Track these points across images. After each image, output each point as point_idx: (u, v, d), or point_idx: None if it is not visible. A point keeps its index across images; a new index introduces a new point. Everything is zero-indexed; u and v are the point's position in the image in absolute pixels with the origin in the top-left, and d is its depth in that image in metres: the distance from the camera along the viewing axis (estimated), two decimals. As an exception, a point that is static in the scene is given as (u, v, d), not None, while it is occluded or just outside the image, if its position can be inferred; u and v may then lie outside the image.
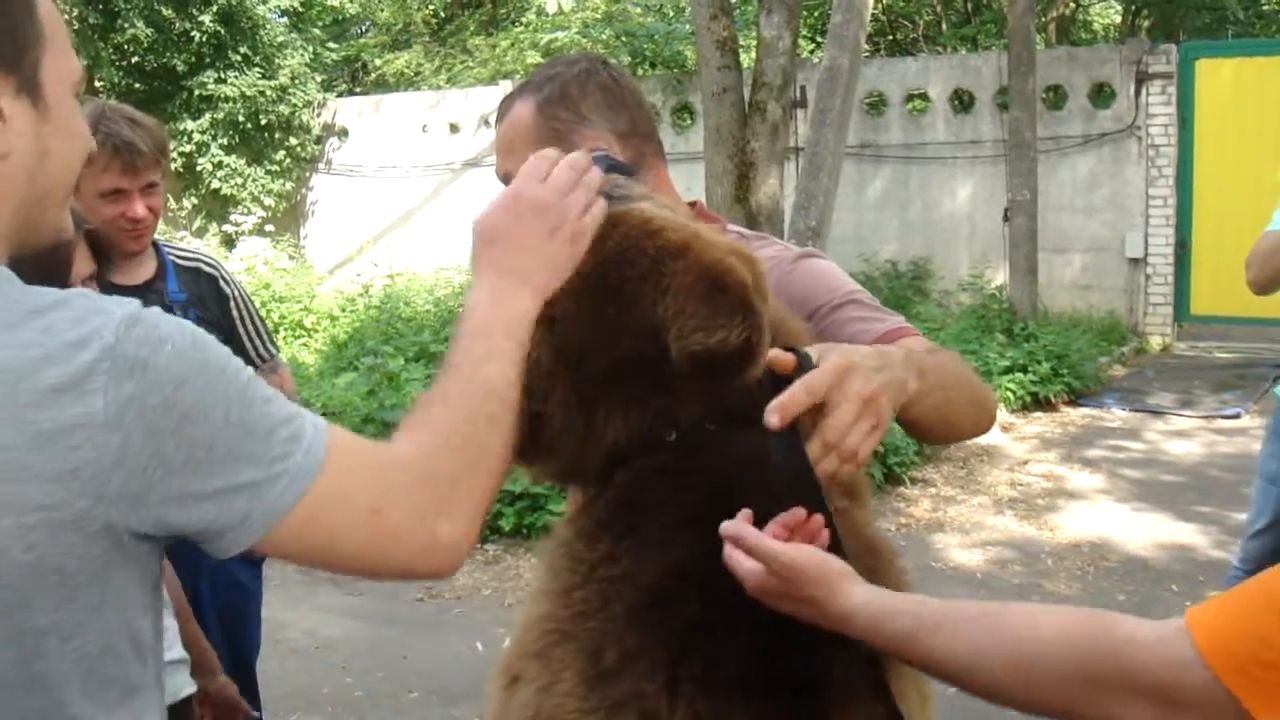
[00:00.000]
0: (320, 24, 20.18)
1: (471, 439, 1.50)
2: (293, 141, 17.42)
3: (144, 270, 3.41)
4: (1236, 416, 10.06)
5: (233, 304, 3.64)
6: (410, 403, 7.50)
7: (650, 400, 1.71)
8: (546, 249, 1.68)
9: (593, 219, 1.72)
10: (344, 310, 14.08)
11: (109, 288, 3.20)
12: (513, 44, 20.62)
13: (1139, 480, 8.52)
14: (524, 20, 20.74)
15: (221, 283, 3.64)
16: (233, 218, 16.40)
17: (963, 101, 14.37)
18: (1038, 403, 10.57)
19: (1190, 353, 12.91)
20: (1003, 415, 10.20)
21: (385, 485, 1.42)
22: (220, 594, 3.45)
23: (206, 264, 3.67)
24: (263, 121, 16.75)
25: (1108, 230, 13.44)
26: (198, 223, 16.90)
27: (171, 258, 3.55)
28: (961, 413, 1.92)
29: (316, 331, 13.34)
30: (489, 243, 1.71)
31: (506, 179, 2.14)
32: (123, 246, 3.27)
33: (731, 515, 1.61)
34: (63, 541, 1.26)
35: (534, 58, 19.42)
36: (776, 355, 1.64)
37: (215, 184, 16.56)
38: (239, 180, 16.82)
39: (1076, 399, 10.84)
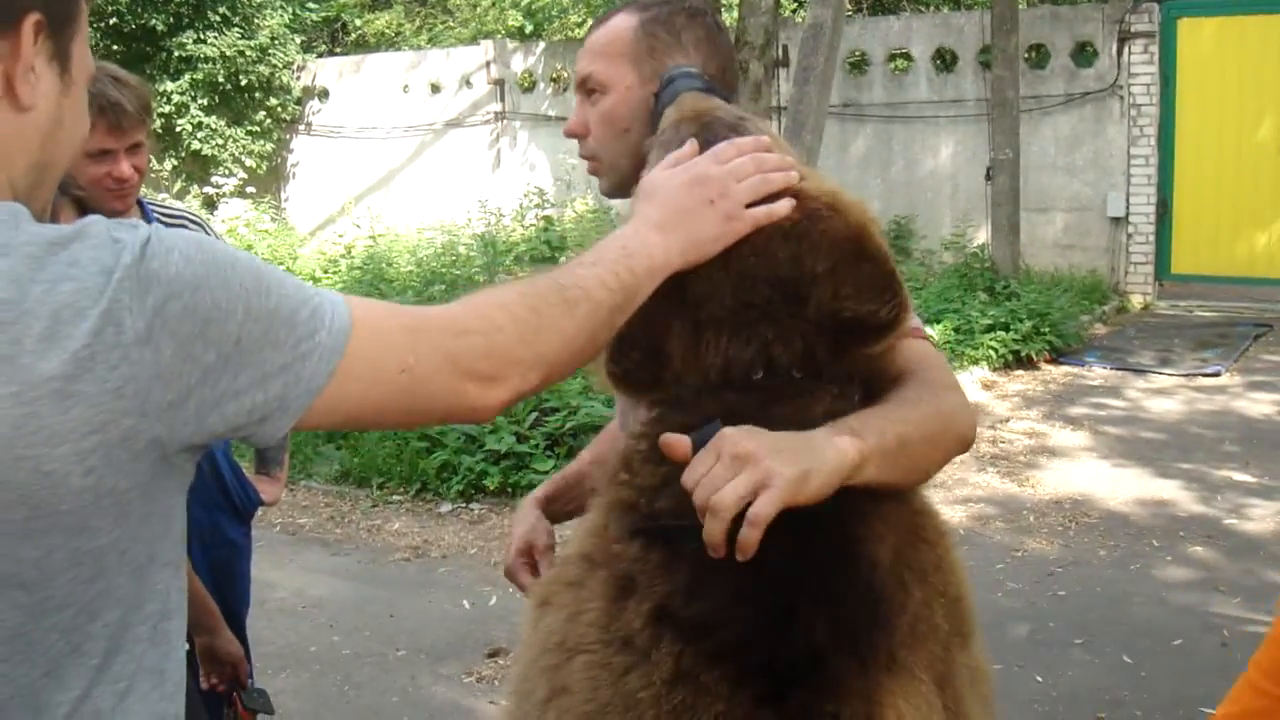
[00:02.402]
0: (300, -17, 20.03)
1: (529, 307, 1.54)
2: (273, 102, 17.32)
3: None
4: (1217, 375, 10.11)
5: None
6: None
7: (755, 338, 1.72)
8: (698, 214, 1.70)
9: (765, 213, 1.73)
10: (326, 271, 14.04)
11: None
12: (494, 4, 20.48)
13: (1120, 437, 8.58)
14: (505, -20, 20.59)
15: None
16: (213, 179, 16.30)
17: (945, 61, 14.34)
18: (1019, 361, 10.61)
19: (1171, 311, 12.96)
20: (985, 373, 10.25)
21: (414, 341, 1.46)
22: (211, 551, 3.47)
23: (191, 222, 3.67)
24: (243, 82, 16.64)
25: (1089, 189, 13.46)
26: (178, 184, 16.81)
27: (156, 216, 3.55)
28: (921, 465, 1.80)
29: (299, 293, 13.30)
30: (644, 197, 1.75)
31: (585, 81, 2.18)
32: (108, 206, 3.26)
33: None
34: (116, 460, 1.31)
35: (516, 18, 19.31)
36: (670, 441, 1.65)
37: (195, 145, 16.46)
38: (219, 141, 16.72)
39: (1058, 357, 10.88)
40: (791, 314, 1.70)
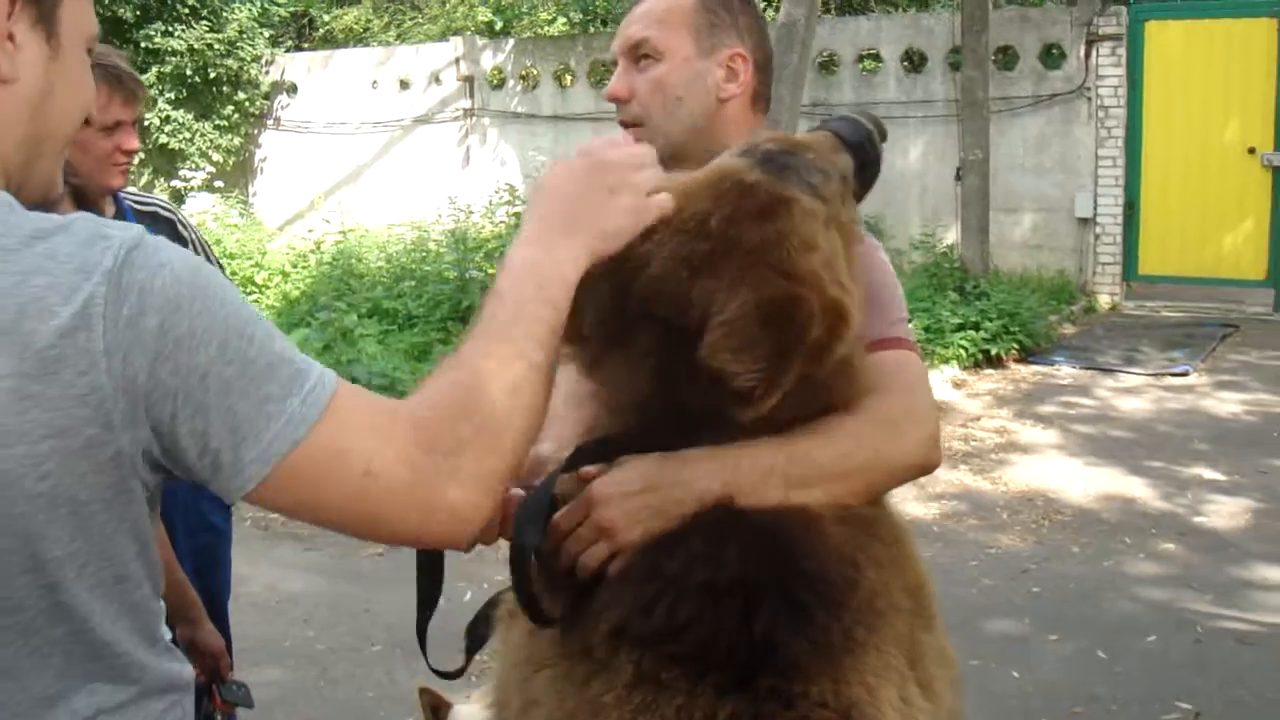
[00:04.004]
0: (267, -23, 19.91)
1: (487, 408, 1.43)
2: (241, 96, 17.20)
3: (105, 214, 3.38)
4: (1185, 374, 10.18)
5: (191, 249, 3.61)
6: (365, 359, 7.44)
7: (654, 362, 1.72)
8: (600, 206, 1.62)
9: (658, 204, 1.66)
10: (295, 266, 13.96)
11: None
12: (463, 0, 20.43)
13: (1090, 436, 8.63)
14: (474, -24, 20.53)
15: (179, 227, 3.62)
16: (181, 173, 16.19)
17: (914, 61, 14.38)
18: (989, 360, 10.66)
19: (1138, 312, 13.05)
20: (955, 372, 10.30)
21: (384, 446, 1.36)
22: (194, 537, 3.45)
23: (163, 209, 3.66)
24: (211, 75, 16.52)
25: (1057, 190, 13.53)
26: (145, 178, 16.68)
27: (129, 203, 3.53)
28: (836, 495, 1.81)
29: (268, 288, 13.23)
30: (542, 189, 1.67)
31: (638, 45, 2.16)
32: (109, 183, 3.26)
33: None
34: (75, 470, 1.26)
35: (485, 14, 19.25)
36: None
37: (163, 139, 16.35)
38: (187, 135, 16.60)
39: (1027, 356, 10.94)
40: (686, 348, 1.66)
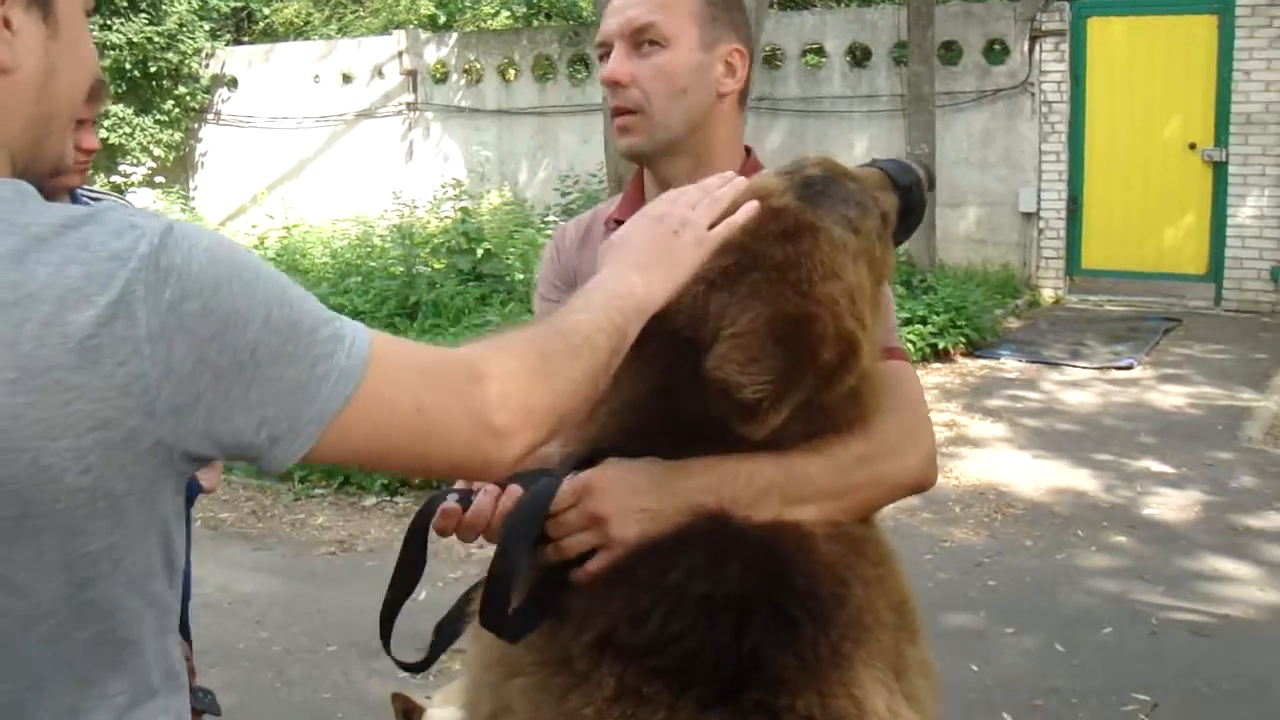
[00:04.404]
0: (207, -29, 19.71)
1: (539, 355, 1.50)
2: (181, 91, 17.02)
3: None
4: (1129, 368, 10.28)
5: None
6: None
7: (659, 371, 1.72)
8: (668, 247, 1.71)
9: (728, 225, 1.73)
10: (238, 263, 13.83)
11: None
12: (405, -7, 20.33)
13: (1039, 429, 8.69)
14: (416, -31, 20.42)
15: None
16: (121, 168, 15.98)
17: (855, 57, 14.43)
18: (936, 354, 10.70)
19: (1082, 305, 13.15)
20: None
21: (430, 380, 1.41)
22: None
23: (117, 204, 3.59)
24: (150, 69, 16.33)
25: (1002, 185, 13.62)
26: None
27: (84, 199, 3.47)
28: (856, 505, 1.85)
29: (210, 284, 13.09)
30: (613, 248, 1.75)
31: (643, 30, 2.10)
32: (69, 181, 3.20)
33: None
34: (116, 462, 1.24)
35: (428, 8, 19.17)
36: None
37: (102, 133, 16.13)
38: (127, 130, 16.41)
39: (974, 350, 10.99)
40: (692, 360, 1.66)
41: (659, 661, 1.61)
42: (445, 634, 1.94)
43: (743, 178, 1.82)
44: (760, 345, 1.62)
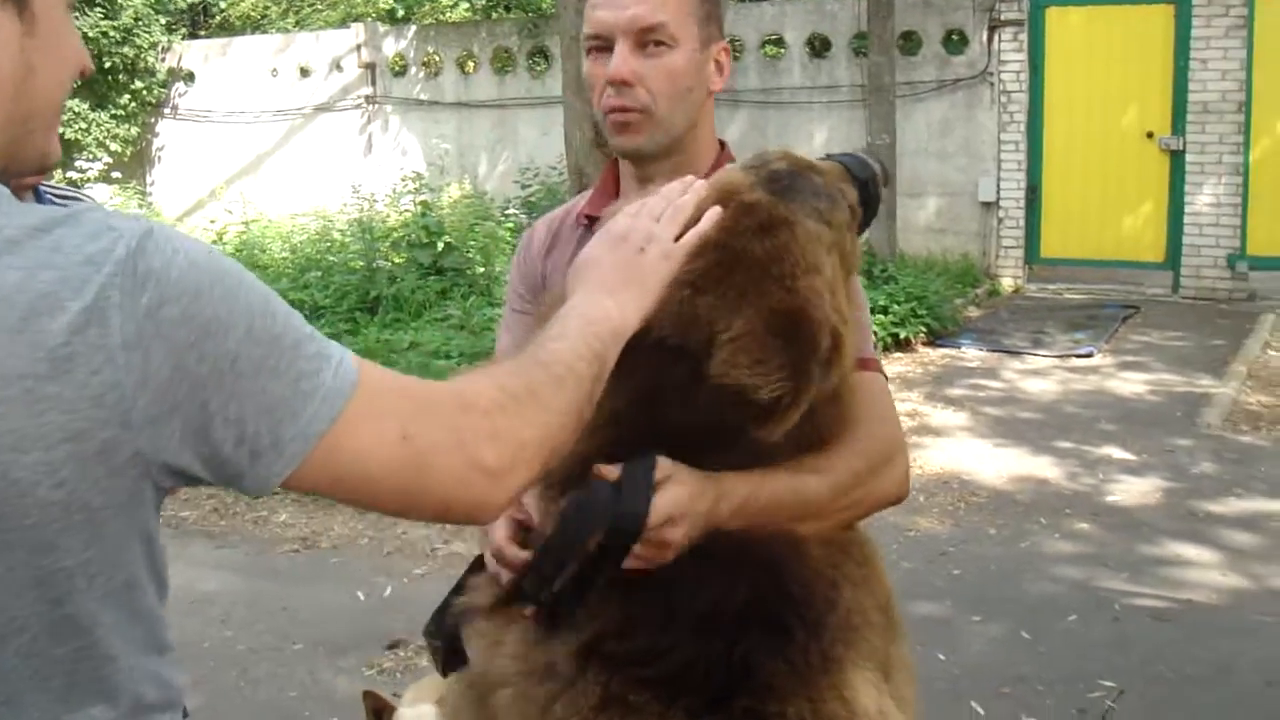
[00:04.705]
0: (161, -37, 19.56)
1: (525, 387, 1.44)
2: (138, 85, 16.89)
3: None
4: (1089, 355, 10.34)
5: None
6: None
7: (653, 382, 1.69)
8: (634, 265, 1.67)
9: (694, 235, 1.70)
10: (197, 258, 13.73)
11: None
12: (363, -14, 20.23)
13: (1000, 418, 8.73)
14: (374, -38, 20.33)
15: None
16: (77, 164, 15.84)
17: (815, 48, 14.45)
18: (898, 343, 10.73)
19: (1041, 294, 13.22)
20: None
21: (417, 409, 1.34)
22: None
23: (83, 201, 3.54)
24: (106, 64, 16.18)
25: (961, 175, 13.68)
26: (40, 169, 16.31)
27: (48, 195, 3.41)
28: (847, 519, 1.89)
29: (168, 280, 13.00)
30: (580, 270, 1.71)
31: (648, 30, 2.04)
32: (25, 181, 3.13)
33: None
34: (91, 475, 1.19)
35: (386, 2, 19.07)
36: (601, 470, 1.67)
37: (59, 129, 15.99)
38: (83, 125, 16.28)
39: (935, 339, 11.03)
40: (691, 369, 1.64)
41: (648, 671, 1.60)
42: (444, 629, 1.89)
43: (703, 181, 1.78)
44: (763, 344, 1.60)
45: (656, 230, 1.70)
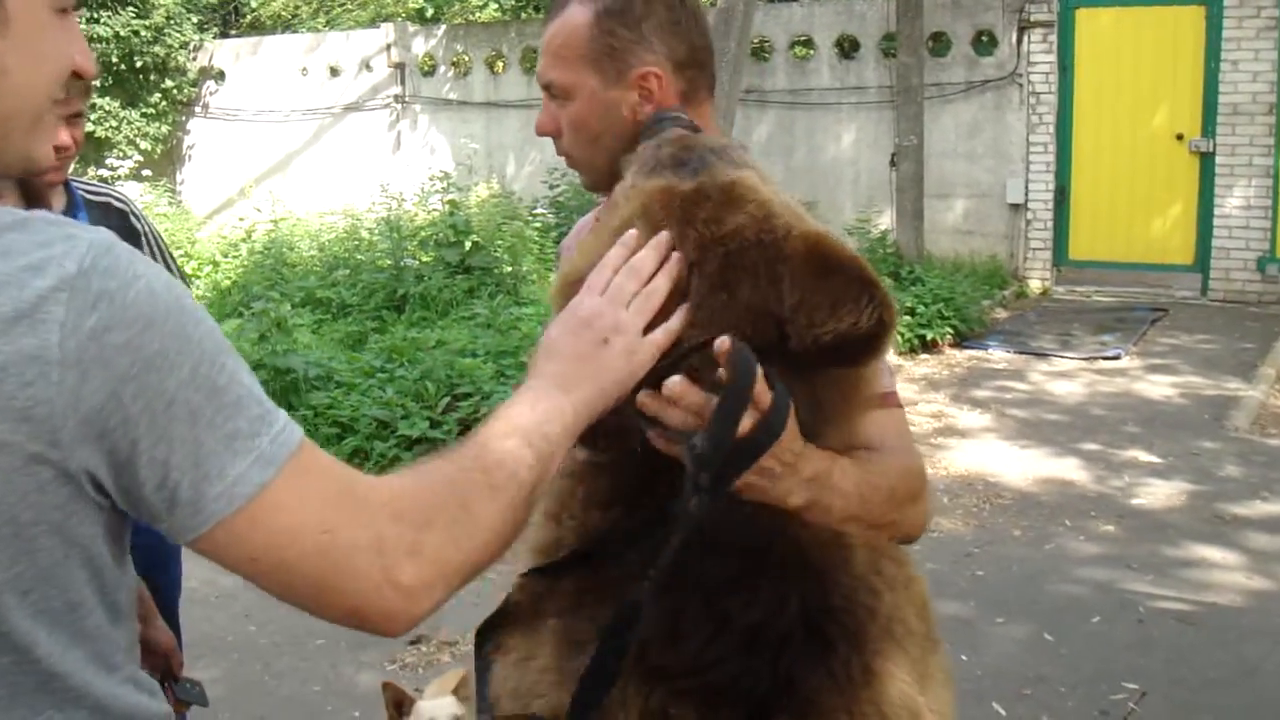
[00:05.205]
0: (193, -37, 19.68)
1: (461, 498, 1.36)
2: (168, 84, 16.99)
3: (55, 204, 3.30)
4: (1116, 358, 10.29)
5: (144, 240, 3.53)
6: (300, 349, 7.30)
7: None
8: (596, 359, 1.56)
9: (664, 334, 1.59)
10: (226, 255, 13.81)
11: None
12: (393, -14, 20.29)
13: (1026, 420, 8.70)
14: (404, -38, 20.40)
15: (132, 218, 3.53)
16: (108, 161, 15.96)
17: (844, 49, 14.42)
18: (924, 345, 10.72)
19: (1069, 296, 13.17)
20: (892, 357, 10.32)
21: (347, 503, 1.28)
22: (140, 533, 3.37)
23: (116, 199, 3.56)
24: (137, 64, 16.30)
25: (989, 176, 13.63)
26: (72, 166, 16.41)
27: (81, 192, 3.44)
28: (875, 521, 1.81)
29: (198, 277, 13.08)
30: (542, 355, 1.60)
31: (548, 87, 2.07)
32: (49, 179, 3.16)
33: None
34: (17, 488, 1.16)
35: (416, 1, 19.13)
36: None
37: (90, 126, 16.09)
38: (114, 123, 16.38)
39: (961, 341, 11.00)
40: (771, 357, 1.58)
41: (692, 683, 1.56)
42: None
43: (666, 234, 1.65)
44: (823, 289, 1.56)
45: (624, 320, 1.58)
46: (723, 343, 1.52)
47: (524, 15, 18.64)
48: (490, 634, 1.77)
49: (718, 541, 1.60)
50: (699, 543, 1.55)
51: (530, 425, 1.46)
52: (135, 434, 1.17)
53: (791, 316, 1.57)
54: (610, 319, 1.57)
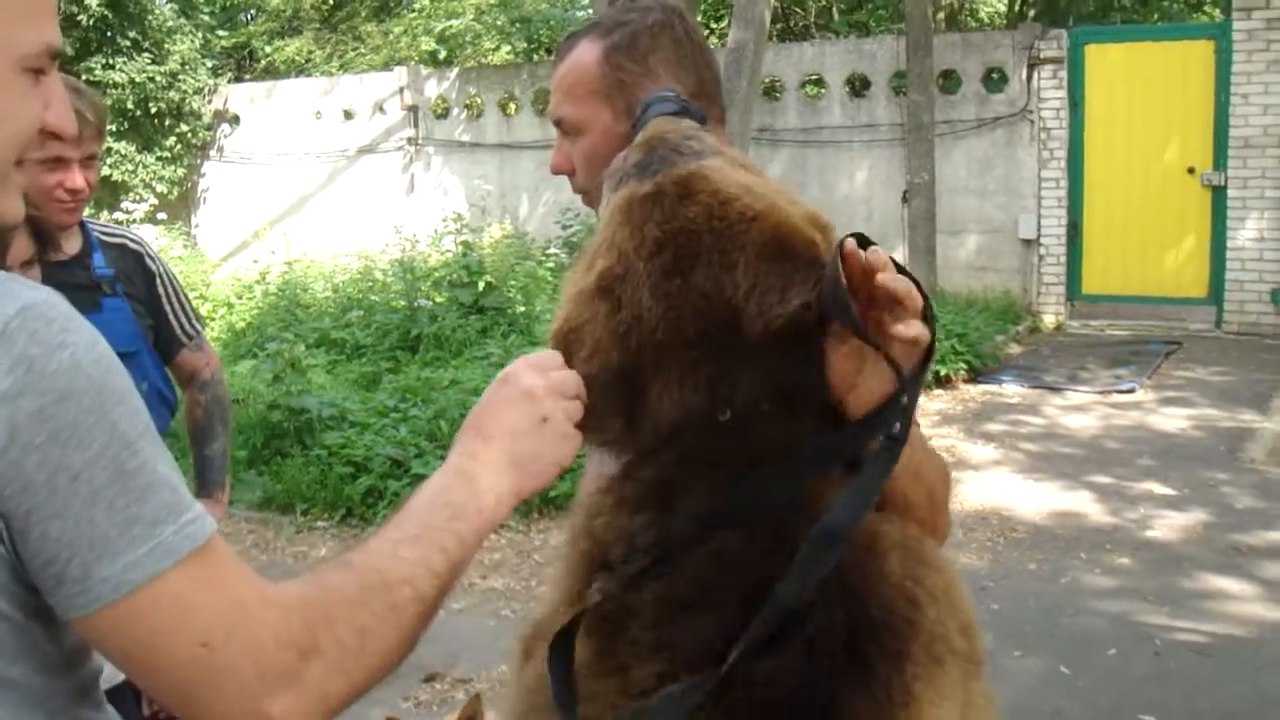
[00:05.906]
0: (209, 10, 19.85)
1: (358, 623, 1.30)
2: (184, 128, 17.13)
3: (70, 245, 3.33)
4: (1131, 391, 10.28)
5: (158, 281, 3.56)
6: (315, 389, 7.29)
7: (707, 377, 1.60)
8: (534, 438, 1.52)
9: (580, 437, 1.57)
10: (240, 297, 13.87)
11: (48, 268, 3.13)
12: (406, 30, 20.43)
13: (1040, 454, 8.69)
14: (417, 6, 20.56)
15: (147, 259, 3.56)
16: (124, 205, 16.06)
17: (854, 88, 14.49)
18: (938, 380, 10.70)
19: (1083, 331, 13.16)
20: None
21: (235, 620, 1.22)
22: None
23: (131, 241, 3.59)
24: (153, 109, 16.45)
25: (1001, 212, 13.66)
26: (88, 210, 16.51)
27: (96, 234, 3.47)
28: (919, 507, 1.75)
29: (213, 319, 13.13)
30: (476, 416, 1.55)
31: (559, 123, 2.10)
32: (56, 219, 3.18)
33: (758, 510, 1.54)
34: None
35: (429, 44, 19.27)
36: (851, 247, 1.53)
37: (105, 170, 16.22)
38: (129, 167, 16.50)
39: (975, 376, 10.99)
40: (730, 344, 1.57)
41: (738, 695, 1.48)
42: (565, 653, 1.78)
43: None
44: (779, 273, 1.56)
45: (563, 407, 1.55)
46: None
47: (536, 57, 18.76)
48: (566, 641, 1.73)
49: (769, 548, 1.54)
50: (744, 548, 1.53)
51: (444, 523, 1.41)
52: (32, 504, 1.14)
53: (743, 302, 1.57)
54: (550, 404, 1.54)
